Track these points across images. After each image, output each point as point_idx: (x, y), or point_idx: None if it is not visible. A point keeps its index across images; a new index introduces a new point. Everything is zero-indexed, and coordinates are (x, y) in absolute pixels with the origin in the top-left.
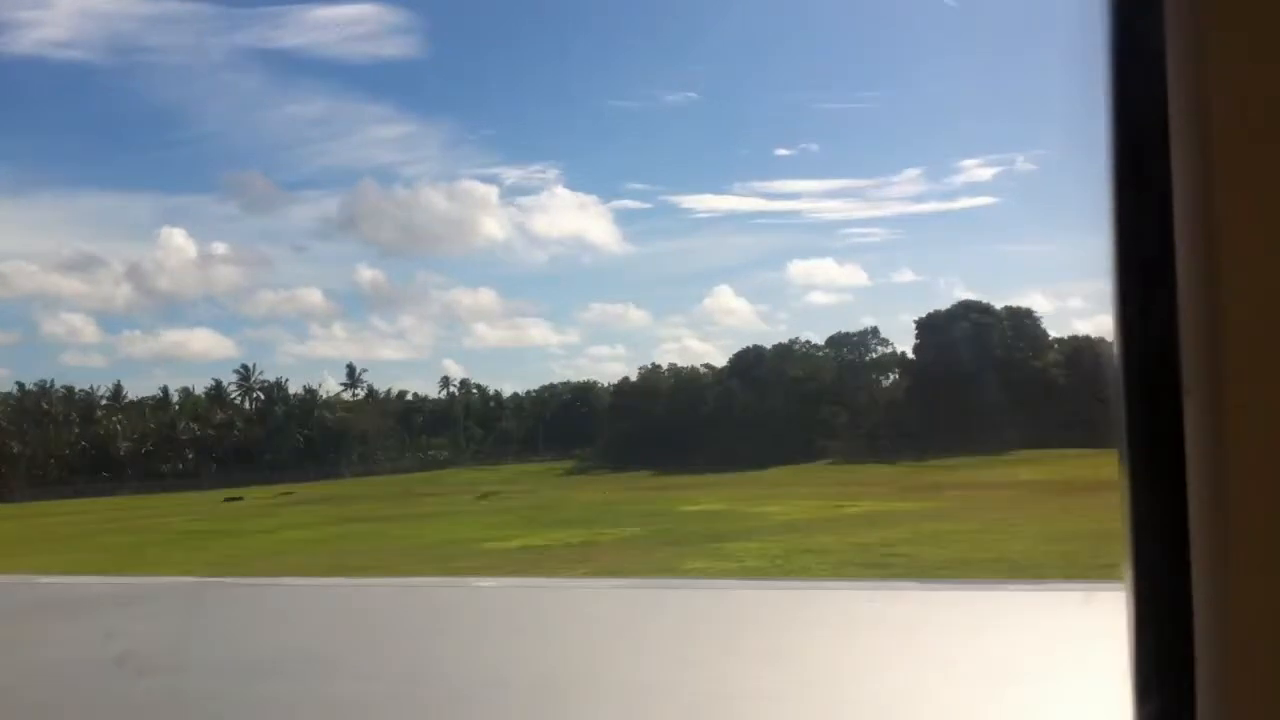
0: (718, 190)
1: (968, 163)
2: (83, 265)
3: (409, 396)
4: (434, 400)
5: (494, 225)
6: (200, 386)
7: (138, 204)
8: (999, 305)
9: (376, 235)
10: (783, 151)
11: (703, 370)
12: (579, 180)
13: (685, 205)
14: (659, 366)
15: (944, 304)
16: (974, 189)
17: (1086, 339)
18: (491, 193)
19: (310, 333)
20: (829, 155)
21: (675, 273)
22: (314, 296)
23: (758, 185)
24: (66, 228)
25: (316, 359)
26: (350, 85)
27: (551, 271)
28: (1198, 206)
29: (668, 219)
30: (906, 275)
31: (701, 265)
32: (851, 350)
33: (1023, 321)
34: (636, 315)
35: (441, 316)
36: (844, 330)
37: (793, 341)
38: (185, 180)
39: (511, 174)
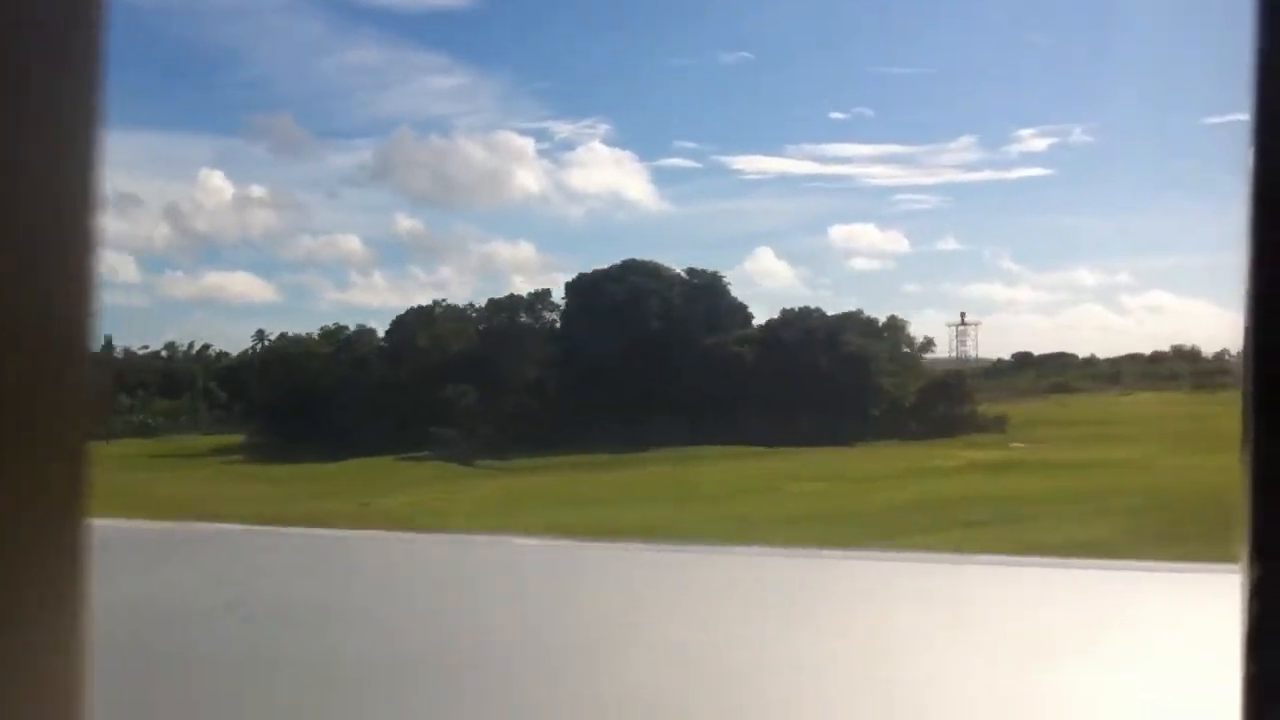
0: (769, 151)
1: (1024, 132)
2: (120, 204)
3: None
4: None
5: (529, 178)
6: (245, 330)
7: (180, 145)
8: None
9: (410, 184)
10: (836, 115)
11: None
12: (629, 137)
13: (736, 166)
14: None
15: (986, 275)
16: (1029, 159)
17: (799, 311)
18: (528, 145)
19: (350, 280)
20: (883, 120)
21: (716, 233)
22: (352, 243)
23: (809, 148)
24: (108, 166)
25: (357, 307)
26: (406, 34)
27: (587, 227)
28: None
29: (717, 179)
30: (950, 244)
31: (744, 227)
32: (518, 315)
33: (703, 288)
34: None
35: (480, 268)
36: (516, 293)
37: (435, 304)
38: (233, 123)
39: (563, 128)
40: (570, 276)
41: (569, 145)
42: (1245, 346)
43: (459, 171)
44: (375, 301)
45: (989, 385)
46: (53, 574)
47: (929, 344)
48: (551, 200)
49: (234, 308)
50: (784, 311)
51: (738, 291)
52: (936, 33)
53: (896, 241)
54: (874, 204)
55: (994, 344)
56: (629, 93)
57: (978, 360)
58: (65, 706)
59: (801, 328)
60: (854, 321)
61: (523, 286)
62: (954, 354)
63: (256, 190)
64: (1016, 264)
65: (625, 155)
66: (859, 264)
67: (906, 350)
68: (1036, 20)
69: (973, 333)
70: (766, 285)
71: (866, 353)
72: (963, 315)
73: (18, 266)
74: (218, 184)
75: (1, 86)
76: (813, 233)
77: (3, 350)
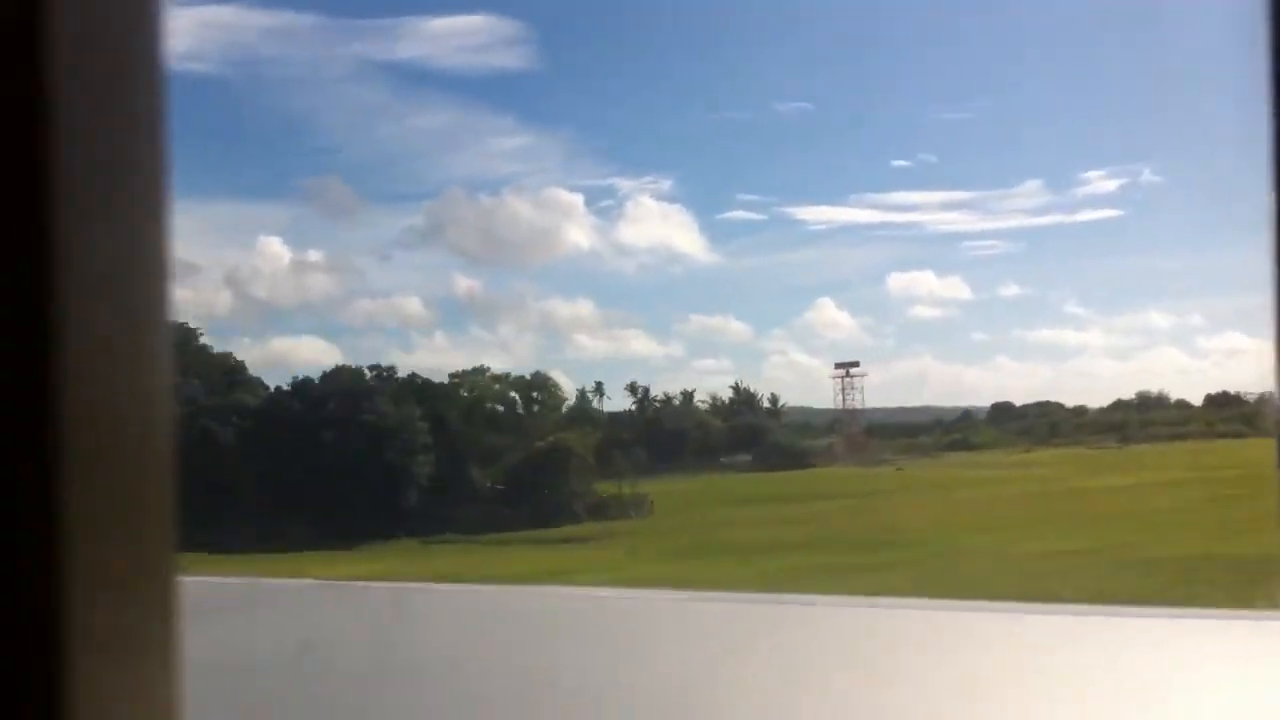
0: (833, 201)
1: (1092, 174)
2: (182, 273)
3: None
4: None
5: (580, 234)
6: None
7: (238, 213)
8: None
9: (461, 244)
10: (900, 162)
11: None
12: (691, 191)
13: (800, 216)
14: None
15: (1053, 320)
16: (1097, 201)
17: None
18: (578, 202)
19: (413, 341)
20: (947, 166)
21: (778, 284)
22: (412, 305)
23: (874, 197)
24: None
25: (425, 368)
26: (467, 97)
27: (641, 283)
28: None
29: (782, 230)
30: (1013, 289)
31: (807, 278)
32: None
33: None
34: (737, 328)
35: (540, 326)
36: None
37: None
38: (289, 189)
39: (625, 184)
40: (637, 331)
41: (625, 200)
42: (1277, 384)
43: (509, 230)
44: (439, 362)
45: (865, 441)
46: (147, 610)
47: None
48: (603, 255)
49: (302, 371)
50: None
51: (803, 344)
52: (996, 76)
53: (956, 288)
54: (940, 251)
55: (1072, 389)
56: (689, 147)
57: (863, 410)
58: None
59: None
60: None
61: (588, 344)
62: (839, 405)
63: (313, 255)
64: (1083, 308)
65: (674, 209)
66: (921, 312)
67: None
68: (1100, 61)
69: (858, 382)
70: (830, 336)
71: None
72: (847, 365)
73: (105, 339)
74: (276, 250)
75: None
76: (875, 282)
77: (97, 412)
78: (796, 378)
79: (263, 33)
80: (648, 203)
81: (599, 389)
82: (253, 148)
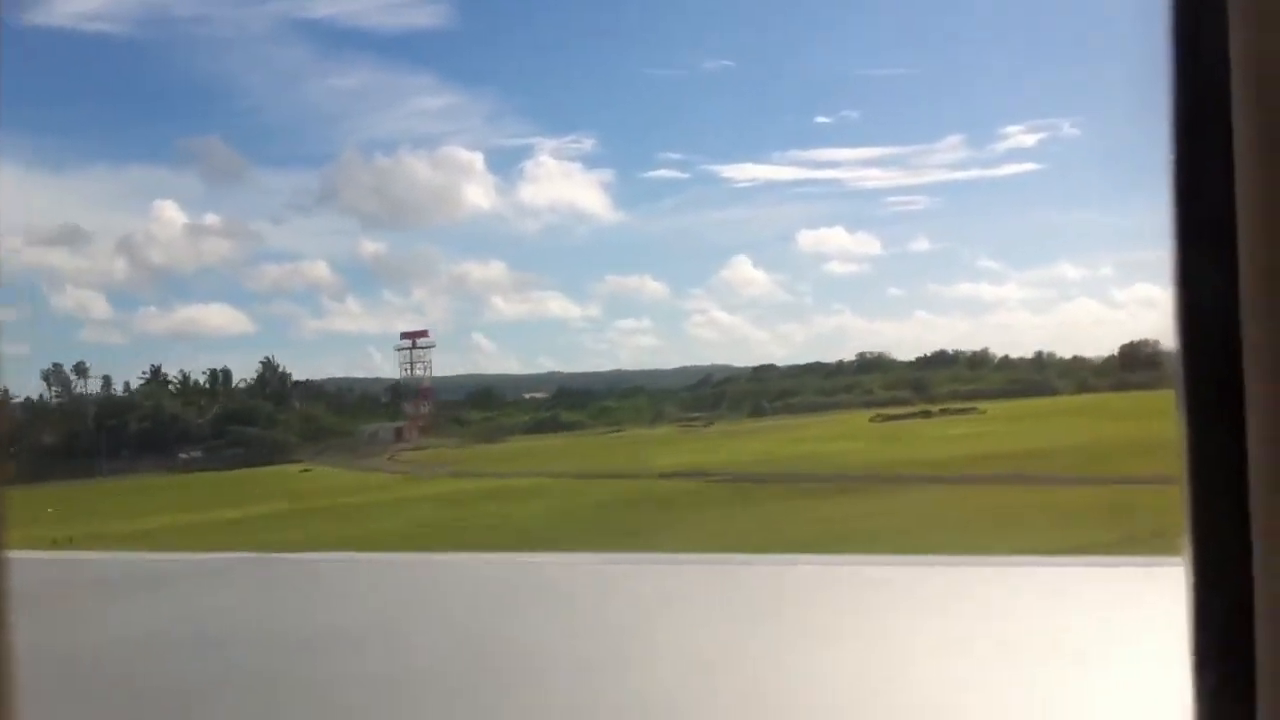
0: (757, 159)
1: (1011, 129)
2: (72, 239)
3: None
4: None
5: (480, 194)
6: (233, 362)
7: (129, 179)
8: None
9: (358, 206)
10: (822, 119)
11: None
12: (615, 150)
13: (725, 174)
14: None
15: (969, 275)
16: (1017, 155)
17: None
18: (476, 160)
19: (325, 306)
20: (869, 122)
21: (702, 243)
22: (319, 269)
23: (797, 154)
24: (61, 202)
25: (337, 333)
26: (386, 56)
27: (548, 243)
28: (1262, 174)
29: (707, 188)
30: (923, 244)
31: (728, 237)
32: None
33: None
34: (654, 287)
35: (453, 289)
36: None
37: None
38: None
39: (548, 144)
40: (553, 295)
41: (541, 158)
42: (1177, 343)
43: (408, 191)
44: (353, 328)
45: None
46: None
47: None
48: (507, 216)
49: (214, 340)
50: None
51: (722, 301)
52: (919, 32)
53: (867, 244)
54: (862, 207)
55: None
56: (612, 105)
57: (430, 380)
58: None
59: None
60: None
61: (503, 307)
62: (405, 376)
63: (210, 219)
64: (995, 262)
65: (575, 167)
66: (835, 268)
67: None
68: (1020, 16)
69: (426, 354)
70: (748, 293)
71: None
72: (414, 335)
73: None
74: (170, 215)
75: None
76: (790, 240)
77: None
78: (719, 335)
79: None
80: (549, 161)
81: (80, 370)
82: (155, 110)
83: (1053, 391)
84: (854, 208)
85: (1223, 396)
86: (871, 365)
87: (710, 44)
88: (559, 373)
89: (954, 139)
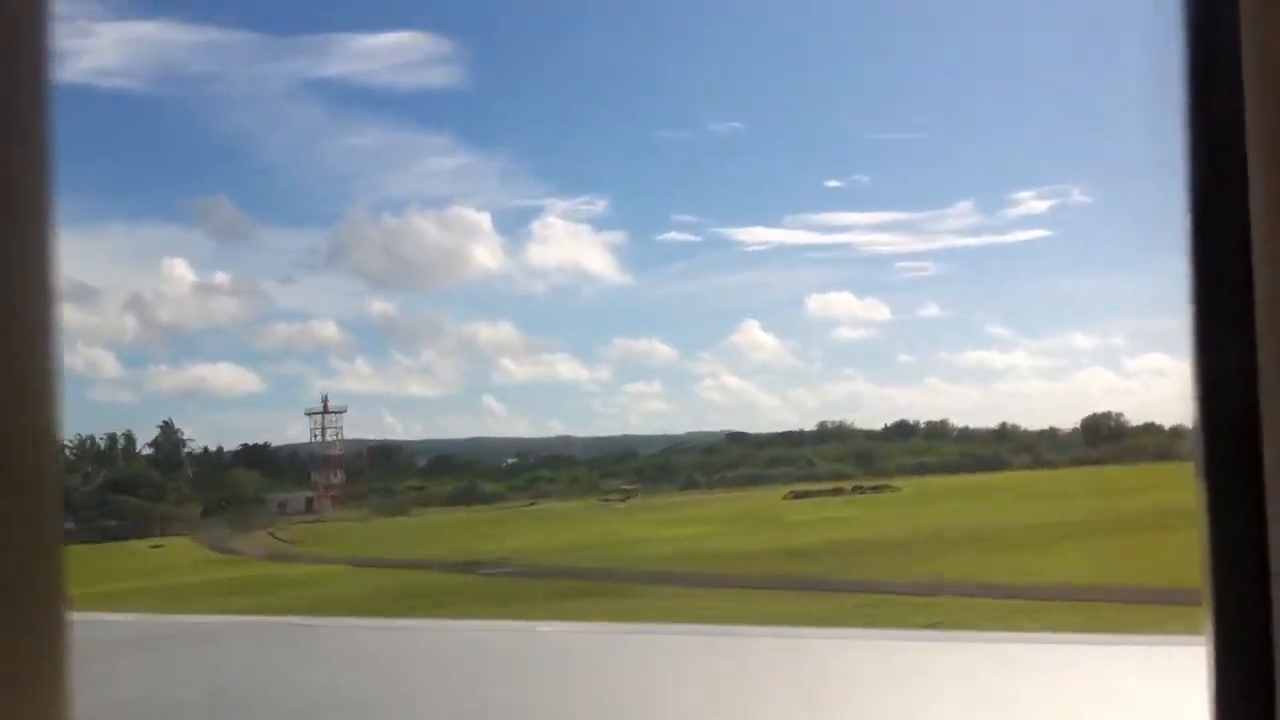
0: (769, 223)
1: (1022, 194)
2: (80, 297)
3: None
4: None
5: (487, 255)
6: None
7: (140, 237)
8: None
9: (365, 267)
10: (833, 183)
11: None
12: (627, 212)
13: (737, 238)
14: None
15: (978, 342)
16: (1027, 222)
17: None
18: (484, 221)
19: (334, 367)
20: (880, 187)
21: (710, 307)
22: (328, 329)
23: (809, 218)
24: (71, 259)
25: (346, 393)
26: (399, 116)
27: (555, 305)
28: (1277, 227)
29: (718, 252)
30: (933, 310)
31: (739, 300)
32: None
33: None
34: (663, 351)
35: (462, 351)
36: None
37: None
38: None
39: (560, 205)
40: (562, 358)
41: (553, 220)
42: (1195, 419)
43: (415, 252)
44: (363, 388)
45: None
46: (34, 669)
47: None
48: (513, 278)
49: (223, 400)
50: None
51: (732, 366)
52: (929, 97)
53: (876, 310)
54: (872, 273)
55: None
56: (623, 167)
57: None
58: None
59: None
60: None
61: (513, 369)
62: (316, 439)
63: (220, 277)
64: (1005, 328)
65: (582, 229)
66: (844, 334)
67: None
68: (1032, 82)
69: (336, 420)
70: (757, 358)
71: None
72: (324, 401)
73: None
74: (179, 272)
75: None
76: (800, 305)
77: None
78: (730, 400)
79: (191, 49)
80: (556, 222)
81: None
82: (169, 168)
83: (1005, 466)
84: (865, 273)
85: (1242, 468)
86: (830, 435)
87: (720, 107)
88: (559, 436)
89: (965, 205)
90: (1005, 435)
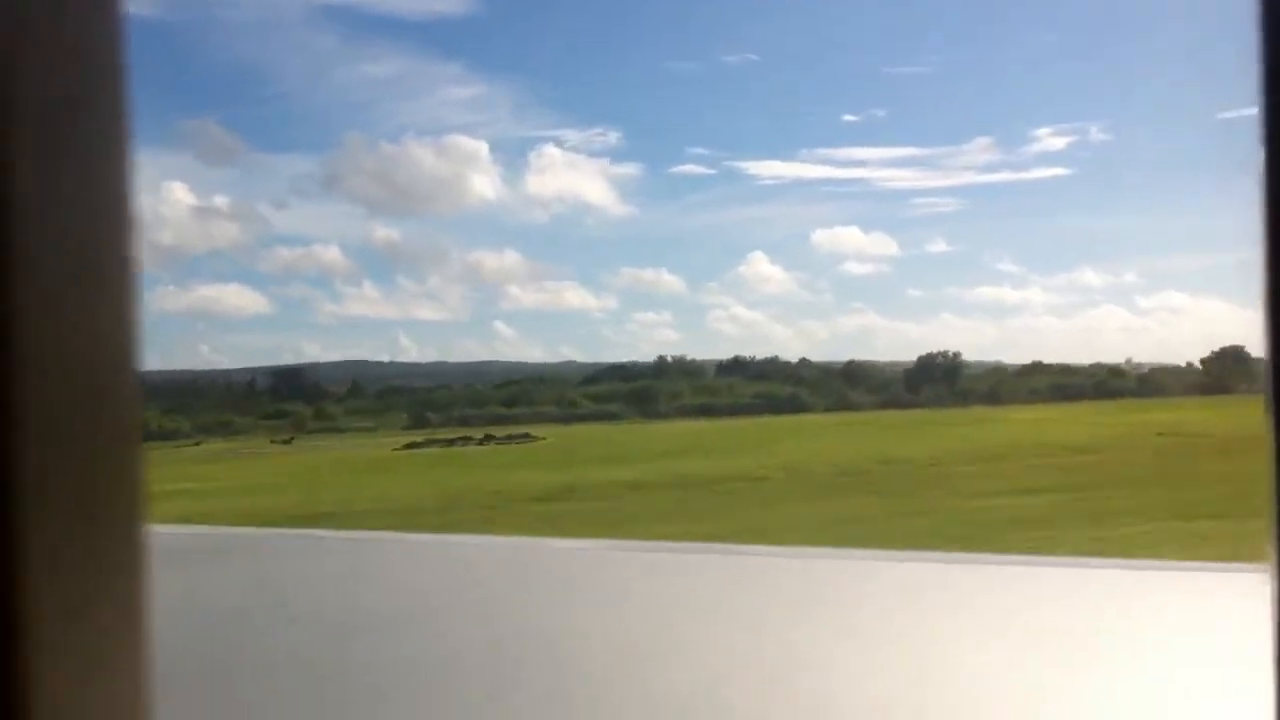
0: (784, 156)
1: (1041, 131)
2: None
3: None
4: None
5: (485, 184)
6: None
7: (153, 159)
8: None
9: (362, 192)
10: (849, 117)
11: None
12: (640, 145)
13: (750, 171)
14: None
15: (989, 278)
16: (1046, 159)
17: None
18: (481, 149)
19: (340, 291)
20: (897, 122)
21: (702, 239)
22: (332, 254)
23: (824, 152)
24: None
25: (355, 318)
26: (413, 44)
27: (559, 233)
28: None
29: (733, 185)
30: (940, 245)
31: (734, 233)
32: None
33: None
34: (669, 281)
35: (468, 277)
36: None
37: None
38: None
39: (572, 136)
40: (567, 284)
41: (579, 151)
42: (1267, 347)
43: (413, 179)
44: (372, 313)
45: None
46: (113, 579)
47: None
48: (512, 206)
49: (231, 321)
50: None
51: (740, 297)
52: (948, 32)
53: (883, 244)
54: (890, 208)
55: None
56: (637, 98)
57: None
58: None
59: None
60: None
61: (520, 296)
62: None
63: (219, 200)
64: (1016, 266)
65: (579, 158)
66: (851, 268)
67: None
68: (1051, 17)
69: None
70: (765, 290)
71: None
72: None
73: (65, 282)
74: (179, 195)
75: (35, 112)
76: (806, 238)
77: (56, 364)
78: (741, 330)
79: None
80: (554, 152)
81: None
82: (171, 94)
83: (803, 409)
84: (881, 208)
85: None
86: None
87: (734, 38)
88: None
89: (983, 140)
90: (798, 372)
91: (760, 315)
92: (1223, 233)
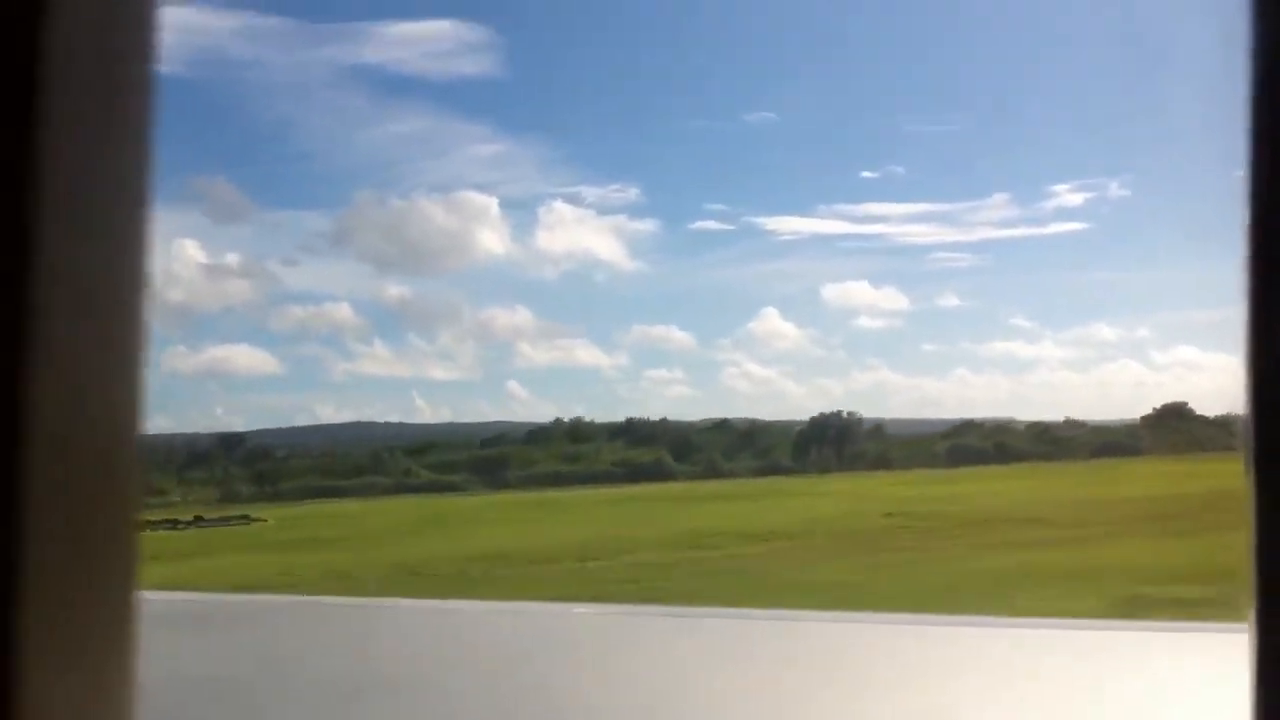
0: (803, 212)
1: (1059, 187)
2: None
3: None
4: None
5: (494, 239)
6: (265, 404)
7: (165, 216)
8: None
9: (372, 250)
10: (867, 174)
11: None
12: (659, 200)
13: (769, 227)
14: None
15: (1002, 333)
16: (1064, 214)
17: None
18: (491, 205)
19: (352, 350)
20: (915, 178)
21: (711, 295)
22: (343, 311)
23: (840, 208)
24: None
25: (368, 378)
26: (437, 104)
27: (569, 290)
28: None
29: (751, 241)
30: (951, 300)
31: (745, 289)
32: None
33: None
34: (680, 338)
35: (479, 335)
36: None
37: None
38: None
39: (592, 193)
40: (579, 341)
41: (603, 209)
42: (1247, 406)
43: (423, 235)
44: (384, 372)
45: None
46: (104, 646)
47: None
48: (521, 263)
49: (242, 381)
50: None
51: (752, 354)
52: (967, 90)
53: (894, 299)
54: (908, 263)
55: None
56: (653, 155)
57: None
58: None
59: None
60: None
61: (531, 354)
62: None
63: (230, 258)
64: (1029, 321)
65: (588, 214)
66: (863, 323)
67: None
68: (1070, 74)
69: None
70: (778, 346)
71: None
72: None
73: (81, 346)
74: (190, 253)
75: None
76: (808, 293)
77: (65, 430)
78: (753, 388)
79: (229, 34)
80: (562, 208)
81: None
82: (201, 153)
83: (668, 475)
84: (899, 264)
85: None
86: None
87: (750, 97)
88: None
89: (1001, 196)
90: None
91: (773, 372)
92: (1237, 288)
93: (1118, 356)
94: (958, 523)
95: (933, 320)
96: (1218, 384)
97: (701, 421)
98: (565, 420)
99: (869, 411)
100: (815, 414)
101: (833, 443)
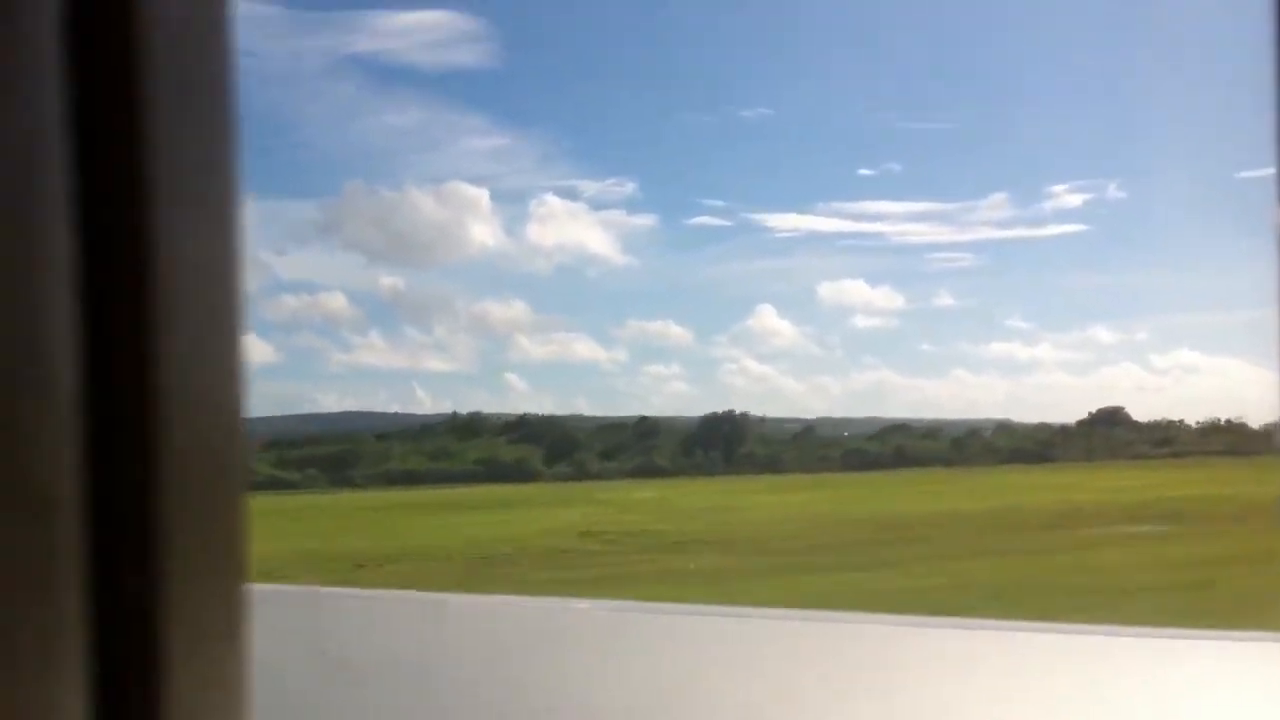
0: (799, 209)
1: (1057, 188)
2: None
3: None
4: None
5: (485, 232)
6: (263, 392)
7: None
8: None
9: (362, 240)
10: (865, 171)
11: None
12: (657, 195)
13: (768, 223)
14: None
15: (998, 334)
16: (1062, 215)
17: None
18: (482, 196)
19: (348, 340)
20: (913, 177)
21: (708, 290)
22: (338, 302)
23: (838, 205)
24: None
25: (366, 368)
26: (432, 95)
27: (564, 283)
28: None
29: (750, 236)
30: (946, 300)
31: (741, 285)
32: None
33: None
34: (677, 333)
35: (474, 327)
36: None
37: None
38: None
39: (590, 186)
40: (576, 335)
41: (596, 203)
42: None
43: (414, 226)
44: (381, 363)
45: None
46: (215, 635)
47: None
48: (514, 256)
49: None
50: None
51: (751, 350)
52: (965, 88)
53: (890, 298)
54: (906, 262)
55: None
56: (654, 151)
57: None
58: None
59: None
60: None
61: (528, 347)
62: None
63: None
64: (1027, 322)
65: (579, 207)
66: (859, 322)
67: None
68: (1070, 75)
69: None
70: (775, 344)
71: None
72: None
73: (198, 331)
74: None
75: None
76: (805, 291)
77: (186, 414)
78: (751, 384)
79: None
80: (553, 201)
81: None
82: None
83: (531, 476)
84: (896, 263)
85: None
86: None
87: (749, 93)
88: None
89: (998, 196)
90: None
91: (771, 369)
92: (1238, 291)
93: (1118, 360)
94: (643, 546)
95: (929, 320)
96: (1218, 387)
97: (603, 418)
98: (462, 414)
99: (869, 411)
100: (706, 413)
101: (720, 444)
